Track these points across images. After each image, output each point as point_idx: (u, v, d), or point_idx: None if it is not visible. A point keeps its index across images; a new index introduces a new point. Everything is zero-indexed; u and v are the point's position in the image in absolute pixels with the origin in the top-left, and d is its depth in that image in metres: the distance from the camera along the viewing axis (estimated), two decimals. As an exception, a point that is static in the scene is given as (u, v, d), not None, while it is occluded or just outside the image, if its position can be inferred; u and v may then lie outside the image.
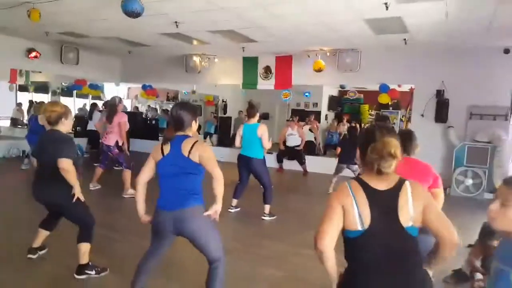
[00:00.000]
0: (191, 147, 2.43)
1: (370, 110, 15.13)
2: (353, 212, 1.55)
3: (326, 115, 14.84)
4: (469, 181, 7.45)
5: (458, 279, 3.42)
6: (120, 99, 6.51)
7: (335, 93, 15.45)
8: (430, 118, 8.09)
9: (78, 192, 3.09)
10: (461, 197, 7.34)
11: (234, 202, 5.50)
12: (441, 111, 7.93)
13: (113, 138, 6.18)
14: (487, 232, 3.31)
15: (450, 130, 7.89)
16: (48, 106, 3.27)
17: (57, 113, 3.16)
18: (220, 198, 2.52)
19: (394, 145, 1.54)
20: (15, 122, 13.48)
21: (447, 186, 7.68)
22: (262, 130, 5.18)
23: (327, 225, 1.57)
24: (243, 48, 8.66)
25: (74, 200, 3.08)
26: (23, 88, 14.26)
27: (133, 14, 5.27)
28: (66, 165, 3.00)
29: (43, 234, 3.53)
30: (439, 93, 7.96)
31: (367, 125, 13.48)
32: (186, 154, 2.42)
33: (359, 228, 1.54)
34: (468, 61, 7.72)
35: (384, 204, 1.56)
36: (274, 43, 8.10)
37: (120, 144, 6.23)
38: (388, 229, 1.53)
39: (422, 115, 8.17)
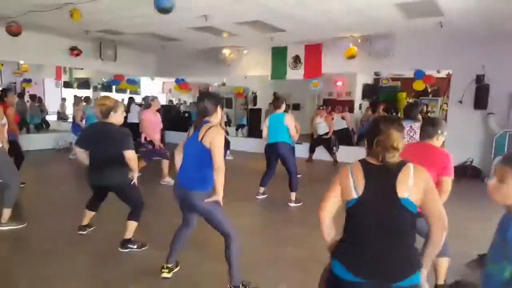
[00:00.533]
0: (205, 132, 2.59)
1: (407, 98, 14.62)
2: (350, 183, 1.70)
3: (360, 105, 14.50)
4: (510, 170, 7.09)
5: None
6: (153, 98, 6.65)
7: (370, 81, 15.03)
8: (469, 105, 7.74)
9: (136, 176, 3.50)
10: None
11: (261, 189, 5.62)
12: (481, 97, 7.56)
13: (142, 135, 6.36)
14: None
15: (491, 117, 7.50)
16: (99, 100, 3.63)
17: (107, 107, 3.43)
18: (220, 188, 2.60)
19: (397, 138, 1.67)
20: (61, 116, 14.36)
21: (486, 175, 7.36)
22: (289, 119, 5.26)
23: (326, 200, 1.81)
24: (271, 38, 8.68)
25: (132, 183, 3.49)
26: (67, 85, 15.11)
27: (165, 10, 5.44)
28: (131, 155, 3.38)
29: (89, 214, 3.93)
30: (479, 78, 7.57)
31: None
32: (200, 138, 2.61)
33: (354, 196, 1.68)
34: (509, 45, 7.29)
35: (381, 175, 1.67)
36: (303, 31, 8.05)
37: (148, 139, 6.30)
38: (382, 198, 1.63)
39: (461, 102, 7.83)
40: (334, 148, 9.01)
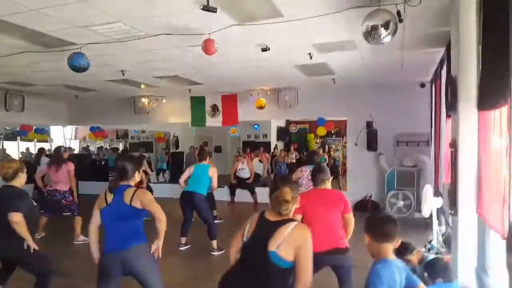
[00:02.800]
0: (132, 196, 2.80)
1: (316, 138, 16.13)
2: (245, 229, 2.19)
3: (276, 145, 15.57)
4: (400, 203, 8.23)
5: None
6: (66, 149, 6.56)
7: (283, 124, 16.32)
8: (363, 147, 8.97)
9: (31, 243, 3.22)
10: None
11: (183, 240, 5.83)
12: (372, 140, 8.84)
13: (65, 184, 6.14)
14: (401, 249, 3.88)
15: (381, 157, 8.78)
16: (5, 163, 3.43)
17: (13, 169, 3.34)
18: (162, 235, 2.88)
19: (286, 193, 2.11)
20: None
21: (382, 208, 8.48)
22: (213, 171, 5.72)
23: (234, 237, 2.33)
24: (189, 89, 9.17)
25: (31, 251, 3.21)
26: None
27: (80, 69, 5.53)
28: (17, 219, 3.13)
29: None
30: (369, 124, 8.89)
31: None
32: (128, 202, 2.78)
33: (244, 239, 2.16)
34: (391, 95, 8.71)
35: (265, 228, 2.10)
36: (219, 84, 8.70)
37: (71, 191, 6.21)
38: (256, 247, 2.07)
39: (356, 144, 9.05)
40: (255, 190, 9.53)
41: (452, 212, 3.49)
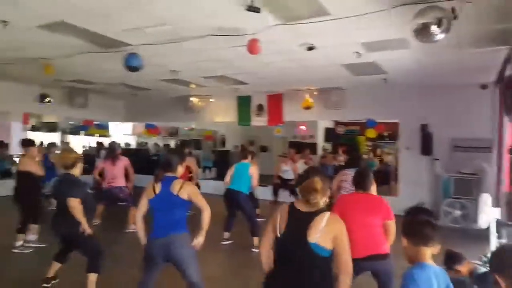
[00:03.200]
0: (181, 187, 3.00)
1: (366, 141, 15.58)
2: (276, 223, 2.16)
3: (323, 147, 15.30)
4: (457, 212, 7.69)
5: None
6: (118, 145, 6.96)
7: (331, 125, 15.99)
8: (416, 151, 8.52)
9: (85, 226, 3.60)
10: (450, 228, 7.42)
11: (226, 235, 5.93)
12: (426, 145, 8.35)
13: (121, 180, 6.50)
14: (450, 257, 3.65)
15: (436, 162, 8.28)
16: (63, 153, 3.93)
17: (72, 159, 3.76)
18: (205, 227, 3.06)
19: (316, 181, 2.13)
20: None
21: (437, 218, 8.01)
22: (253, 170, 5.78)
23: (264, 235, 2.31)
24: (236, 89, 9.33)
25: (84, 234, 3.60)
26: (35, 129, 15.02)
27: (134, 69, 5.88)
28: (74, 203, 3.54)
29: (56, 266, 3.98)
30: (423, 127, 8.42)
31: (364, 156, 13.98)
32: (175, 192, 2.98)
33: (278, 234, 2.13)
34: (448, 97, 8.22)
35: (300, 220, 2.09)
36: (264, 84, 8.76)
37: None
38: (296, 239, 2.06)
39: (408, 148, 8.63)
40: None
41: (511, 223, 3.23)
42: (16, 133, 14.96)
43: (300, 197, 2.18)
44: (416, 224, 1.95)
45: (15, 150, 14.34)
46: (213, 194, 10.43)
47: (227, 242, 5.93)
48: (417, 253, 1.90)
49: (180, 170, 3.20)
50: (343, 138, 15.75)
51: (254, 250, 5.63)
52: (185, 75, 7.96)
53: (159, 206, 3.03)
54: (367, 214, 3.04)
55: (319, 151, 14.56)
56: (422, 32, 3.62)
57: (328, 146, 15.36)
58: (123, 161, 6.63)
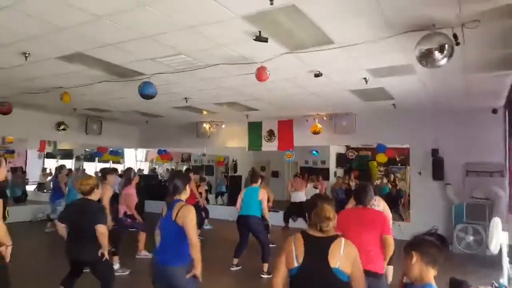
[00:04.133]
0: (178, 211, 2.93)
1: (378, 166, 15.49)
2: (292, 254, 2.13)
3: (335, 172, 15.26)
4: (470, 238, 7.52)
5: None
6: (135, 173, 6.98)
7: (342, 150, 15.99)
8: (428, 176, 8.44)
9: (105, 252, 3.67)
10: (463, 254, 7.35)
11: (235, 261, 5.91)
12: (438, 169, 8.28)
13: (121, 209, 6.33)
14: (455, 285, 3.61)
15: (448, 187, 8.17)
16: (82, 180, 3.94)
17: (90, 186, 3.83)
18: (198, 262, 2.90)
19: (328, 210, 2.17)
20: (41, 186, 14.45)
21: (449, 243, 7.83)
22: (263, 194, 5.79)
23: (275, 269, 2.22)
24: (246, 115, 9.51)
25: (104, 259, 3.65)
26: (50, 155, 15.43)
27: (149, 97, 6.08)
28: (103, 230, 3.63)
29: None
30: (434, 152, 8.37)
31: (377, 181, 13.88)
32: (173, 218, 2.92)
33: (296, 264, 2.10)
34: (459, 121, 8.18)
35: (318, 246, 2.10)
36: (274, 110, 8.90)
37: (128, 213, 6.37)
38: (318, 267, 2.06)
39: (420, 173, 8.55)
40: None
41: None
42: (32, 160, 15.44)
43: (312, 224, 2.20)
44: (433, 244, 1.98)
45: (31, 176, 14.77)
46: (226, 220, 10.52)
47: (236, 268, 5.91)
48: (424, 273, 1.92)
49: (188, 191, 3.18)
50: (355, 164, 15.72)
51: (263, 276, 5.59)
52: (197, 102, 8.17)
53: (162, 230, 3.07)
54: (363, 229, 3.08)
55: (331, 177, 14.54)
56: (425, 58, 3.71)
57: (340, 171, 15.33)
58: (127, 189, 6.46)
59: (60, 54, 5.05)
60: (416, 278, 1.95)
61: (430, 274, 1.93)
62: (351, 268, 2.07)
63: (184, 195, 3.15)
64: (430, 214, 8.24)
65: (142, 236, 6.60)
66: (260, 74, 4.89)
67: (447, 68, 4.90)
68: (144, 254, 6.50)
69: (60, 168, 9.79)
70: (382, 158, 9.30)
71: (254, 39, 4.07)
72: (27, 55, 5.01)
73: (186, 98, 7.71)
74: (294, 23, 3.85)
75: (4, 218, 2.91)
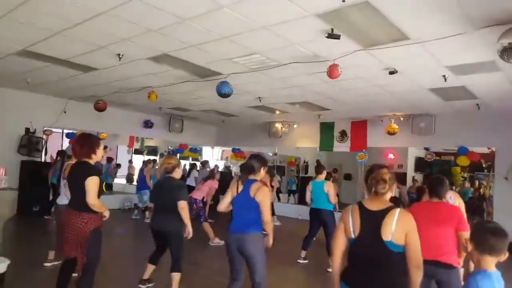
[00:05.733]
0: (257, 190, 3.32)
1: (462, 172, 14.35)
2: (349, 225, 2.24)
3: (413, 177, 14.46)
4: None
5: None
6: (218, 170, 8.14)
7: (422, 154, 15.09)
8: (515, 181, 7.73)
9: (189, 229, 4.06)
10: None
11: (303, 253, 6.05)
12: (527, 175, 7.56)
13: (201, 194, 7.40)
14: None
15: (538, 194, 7.42)
16: (165, 159, 4.44)
17: (172, 165, 4.27)
18: (271, 234, 3.44)
19: (384, 172, 2.25)
20: (129, 177, 15.96)
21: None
22: (328, 186, 5.87)
23: (335, 238, 2.36)
24: (319, 115, 9.56)
25: (184, 233, 4.04)
26: (137, 152, 16.98)
27: (225, 95, 6.50)
28: (183, 205, 3.98)
29: (151, 268, 4.37)
30: (523, 156, 7.65)
31: (457, 188, 12.91)
32: (252, 195, 3.31)
33: (352, 236, 2.21)
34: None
35: (372, 220, 2.17)
36: (348, 110, 8.83)
37: (205, 199, 7.45)
38: (371, 240, 2.14)
39: (506, 178, 7.85)
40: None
41: None
42: (122, 155, 17.12)
43: (368, 192, 2.27)
44: (486, 232, 1.94)
45: (120, 170, 16.36)
46: (295, 218, 10.68)
47: (303, 262, 6.03)
48: (481, 260, 1.92)
49: (262, 173, 3.48)
50: (436, 169, 14.74)
51: (329, 270, 5.61)
52: (270, 101, 8.47)
53: (238, 204, 3.41)
54: (439, 223, 3.01)
55: (409, 182, 13.82)
56: (508, 52, 3.51)
57: (419, 177, 14.50)
58: (213, 183, 7.68)
59: (149, 56, 5.59)
60: (475, 265, 1.97)
61: (488, 261, 1.91)
62: (406, 239, 2.09)
63: (259, 176, 3.45)
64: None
65: (207, 226, 7.12)
66: (332, 71, 4.97)
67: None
68: (217, 242, 6.94)
69: (147, 162, 10.81)
70: (463, 161, 8.65)
71: (326, 37, 4.19)
72: (120, 56, 5.59)
73: (259, 97, 8.03)
74: (367, 19, 3.88)
75: (100, 193, 3.39)
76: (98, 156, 3.51)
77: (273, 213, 9.37)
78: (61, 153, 7.10)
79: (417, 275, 2.10)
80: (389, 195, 2.25)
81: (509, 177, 7.81)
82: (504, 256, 1.92)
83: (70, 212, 3.34)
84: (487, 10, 3.50)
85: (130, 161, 16.67)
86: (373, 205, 2.22)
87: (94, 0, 3.83)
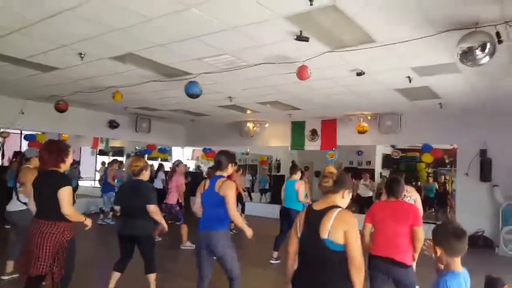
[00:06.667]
0: (221, 184, 3.31)
1: (427, 168, 14.92)
2: (297, 224, 2.34)
3: (381, 173, 14.90)
4: (517, 240, 7.22)
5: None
6: (180, 162, 7.55)
7: (389, 151, 15.54)
8: (475, 177, 8.12)
9: (164, 225, 4.08)
10: (509, 257, 7.22)
11: (275, 254, 6.06)
12: (486, 171, 7.94)
13: (173, 197, 7.08)
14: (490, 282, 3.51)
15: (496, 189, 7.83)
16: (132, 162, 4.26)
17: (139, 167, 4.14)
18: (244, 227, 3.47)
19: (331, 169, 2.45)
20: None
21: (496, 245, 7.49)
22: (298, 185, 5.94)
23: (289, 237, 2.48)
24: (289, 114, 9.62)
25: (153, 238, 4.03)
26: (102, 153, 16.43)
27: (194, 96, 6.37)
28: (153, 209, 3.94)
29: (116, 276, 4.13)
30: (483, 153, 8.03)
31: (423, 183, 13.43)
32: (216, 189, 3.31)
33: (299, 235, 2.31)
34: (509, 122, 7.84)
35: (314, 218, 2.23)
36: (317, 110, 8.94)
37: (180, 201, 7.14)
38: (311, 238, 2.19)
39: (467, 174, 8.22)
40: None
41: None
42: (85, 157, 16.51)
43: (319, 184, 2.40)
44: (449, 238, 2.00)
45: (84, 172, 15.71)
46: (268, 217, 10.70)
47: (276, 262, 6.05)
48: (451, 263, 2.00)
49: (230, 169, 3.49)
50: (403, 165, 15.23)
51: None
52: (241, 101, 8.42)
53: (205, 201, 3.41)
54: (394, 220, 3.15)
55: (377, 178, 14.22)
56: (466, 56, 3.68)
57: (386, 173, 14.93)
58: (176, 180, 7.12)
59: (113, 55, 5.39)
60: (445, 266, 2.05)
61: (456, 262, 2.01)
62: (344, 238, 2.10)
63: (226, 173, 3.46)
64: (477, 216, 7.94)
65: (184, 229, 6.98)
66: (302, 73, 5.00)
67: (494, 66, 4.75)
68: (188, 245, 6.83)
69: (111, 163, 10.48)
70: (428, 158, 9.02)
71: (295, 39, 4.20)
72: (82, 55, 5.37)
73: (230, 97, 7.97)
74: (334, 22, 3.92)
75: (73, 201, 3.26)
76: (67, 165, 3.39)
77: (243, 211, 9.37)
78: (18, 154, 6.66)
79: (357, 277, 2.09)
80: (346, 199, 2.34)
81: (470, 173, 8.18)
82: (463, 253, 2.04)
83: (43, 223, 3.16)
84: (448, 15, 3.63)
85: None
86: (319, 206, 2.29)
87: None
